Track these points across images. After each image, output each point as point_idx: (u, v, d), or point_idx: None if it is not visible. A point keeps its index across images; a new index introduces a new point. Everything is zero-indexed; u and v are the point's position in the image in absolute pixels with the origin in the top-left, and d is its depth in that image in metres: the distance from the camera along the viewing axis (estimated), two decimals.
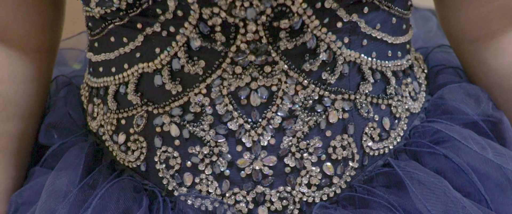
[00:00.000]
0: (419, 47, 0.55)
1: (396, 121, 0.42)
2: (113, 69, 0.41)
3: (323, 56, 0.37)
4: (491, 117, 0.45)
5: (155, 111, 0.39)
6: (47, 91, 0.52)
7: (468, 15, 0.45)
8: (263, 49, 0.36)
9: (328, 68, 0.38)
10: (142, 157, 0.41)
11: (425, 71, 0.48)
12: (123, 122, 0.42)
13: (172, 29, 0.36)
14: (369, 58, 0.39)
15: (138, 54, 0.39)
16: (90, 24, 0.43)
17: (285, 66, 0.36)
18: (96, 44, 0.43)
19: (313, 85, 0.37)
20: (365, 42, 0.39)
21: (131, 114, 0.41)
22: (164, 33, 0.37)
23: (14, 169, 0.49)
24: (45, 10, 0.47)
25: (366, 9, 0.38)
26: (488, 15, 0.45)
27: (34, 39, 0.47)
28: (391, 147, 0.42)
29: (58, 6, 0.48)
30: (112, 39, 0.41)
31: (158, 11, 0.36)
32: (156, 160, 0.40)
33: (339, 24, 0.37)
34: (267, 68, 0.37)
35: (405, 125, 0.43)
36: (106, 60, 0.42)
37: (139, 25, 0.38)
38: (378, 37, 0.39)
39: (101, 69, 0.43)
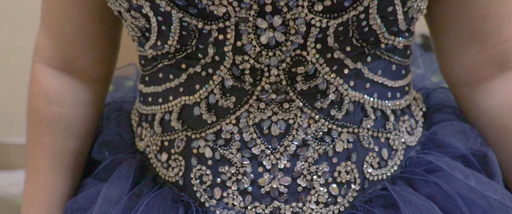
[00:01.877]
0: (422, 87, 0.62)
1: (394, 152, 0.48)
2: (160, 100, 0.49)
3: (332, 96, 0.44)
4: (478, 151, 0.50)
5: (193, 136, 0.47)
6: (101, 114, 0.59)
7: (461, 63, 0.52)
8: (283, 89, 0.43)
9: (336, 106, 0.45)
10: (180, 173, 0.48)
11: (423, 109, 0.54)
12: (166, 143, 0.49)
13: (210, 70, 0.44)
14: (371, 99, 0.46)
15: (181, 89, 0.46)
16: (142, 61, 0.50)
17: (301, 103, 0.44)
18: (146, 78, 0.51)
19: (323, 120, 0.45)
20: (368, 85, 0.45)
21: (173, 137, 0.48)
22: (204, 73, 0.44)
23: (71, 179, 0.56)
24: (105, 48, 0.54)
25: (369, 59, 0.45)
26: (478, 63, 0.51)
27: (95, 70, 0.55)
28: (388, 174, 0.48)
29: (115, 44, 0.56)
30: (160, 75, 0.48)
31: (200, 55, 0.44)
32: (192, 176, 0.47)
33: (346, 71, 0.44)
34: (286, 105, 0.44)
35: (402, 156, 0.49)
36: (154, 92, 0.49)
37: (183, 66, 0.45)
38: (379, 81, 0.46)
39: (150, 99, 0.50)
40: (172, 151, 0.49)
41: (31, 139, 0.56)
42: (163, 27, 0.43)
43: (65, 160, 0.55)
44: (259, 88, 0.43)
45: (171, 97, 0.48)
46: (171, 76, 0.47)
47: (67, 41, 0.53)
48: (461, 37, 0.50)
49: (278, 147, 0.45)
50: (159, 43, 0.45)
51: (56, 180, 0.55)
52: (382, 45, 0.45)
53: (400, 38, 0.46)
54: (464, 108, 0.55)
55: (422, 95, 0.58)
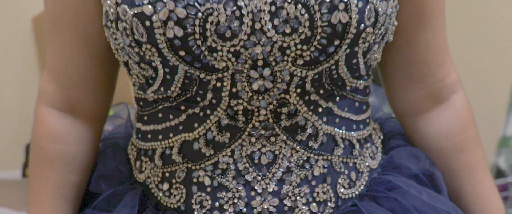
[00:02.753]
0: (378, 117, 0.73)
1: (360, 174, 0.58)
2: (160, 137, 0.55)
3: (309, 130, 0.53)
4: (427, 171, 0.61)
5: (193, 167, 0.54)
6: (98, 149, 0.64)
7: (406, 98, 0.63)
8: (270, 126, 0.52)
9: (313, 138, 0.54)
10: (182, 200, 0.54)
11: (381, 137, 0.65)
12: (167, 174, 0.55)
13: (208, 111, 0.52)
14: (340, 131, 0.55)
15: (181, 127, 0.53)
16: (141, 103, 0.57)
17: (284, 137, 0.53)
18: (145, 118, 0.57)
19: (303, 150, 0.53)
20: (337, 120, 0.55)
21: (174, 169, 0.55)
22: (202, 114, 0.52)
23: (72, 211, 0.61)
24: (104, 90, 0.60)
25: (337, 99, 0.54)
26: (419, 99, 0.62)
27: (95, 111, 0.61)
28: (357, 193, 0.57)
29: (113, 86, 0.62)
30: (160, 115, 0.55)
31: (198, 99, 0.51)
32: (192, 202, 0.54)
33: (320, 109, 0.53)
34: (272, 139, 0.52)
35: (367, 177, 0.58)
36: (154, 130, 0.56)
37: (182, 107, 0.53)
38: (346, 116, 0.56)
39: (149, 136, 0.57)
40: (173, 181, 0.55)
41: (35, 175, 0.60)
42: (168, 77, 0.50)
43: (67, 193, 0.60)
44: (250, 125, 0.52)
45: (171, 134, 0.55)
46: (171, 116, 0.54)
47: (71, 86, 0.58)
48: (405, 78, 0.61)
49: (267, 173, 0.53)
50: (162, 89, 0.52)
51: (59, 212, 0.59)
52: (348, 88, 0.55)
53: (361, 81, 0.56)
54: (409, 134, 0.66)
55: (378, 125, 0.68)
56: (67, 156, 0.59)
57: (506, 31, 1.73)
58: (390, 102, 0.66)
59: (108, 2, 0.48)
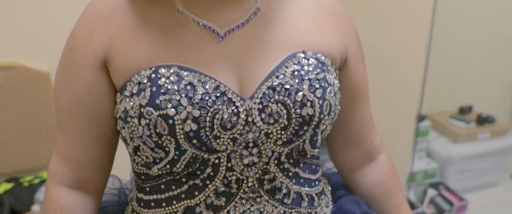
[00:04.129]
0: (324, 173, 0.91)
1: None
2: (164, 204, 0.68)
3: (284, 191, 0.70)
4: (367, 213, 0.81)
5: None
6: None
7: (345, 158, 0.82)
8: (256, 190, 0.68)
9: (287, 196, 0.70)
10: None
11: (330, 189, 0.84)
12: None
13: (207, 182, 0.66)
14: (305, 189, 0.73)
15: (183, 195, 0.66)
16: (143, 177, 0.70)
17: (267, 197, 0.69)
18: (147, 189, 0.70)
19: (280, 206, 0.69)
20: (302, 180, 0.72)
21: None
22: (201, 184, 0.66)
23: None
24: (107, 167, 0.72)
25: (301, 164, 0.72)
26: (355, 158, 0.82)
27: (99, 185, 0.72)
28: None
29: (112, 163, 0.74)
30: (163, 186, 0.67)
31: (199, 172, 0.65)
32: None
33: (290, 174, 0.70)
34: (258, 199, 0.68)
35: None
36: (157, 199, 0.69)
37: (184, 179, 0.66)
38: (307, 177, 0.73)
39: (152, 204, 0.69)
40: None
41: None
42: (176, 157, 0.64)
43: None
44: (241, 191, 0.67)
45: (174, 201, 0.68)
46: (173, 187, 0.68)
47: (82, 168, 0.69)
48: (344, 144, 0.81)
49: None
50: (168, 166, 0.66)
51: None
52: (308, 156, 0.73)
53: (316, 149, 0.75)
54: (350, 185, 0.85)
55: (326, 179, 0.87)
56: None
57: (407, 82, 2.04)
58: (333, 161, 0.86)
59: (131, 103, 0.62)
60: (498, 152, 2.63)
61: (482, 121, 2.64)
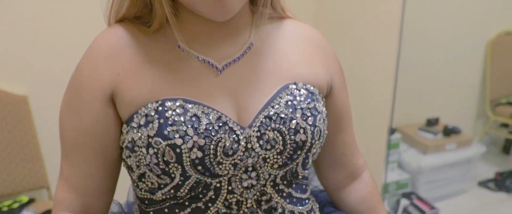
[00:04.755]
0: (312, 191, 0.98)
1: None
2: None
3: (279, 210, 0.75)
4: None
5: None
6: None
7: (331, 178, 0.88)
8: (254, 210, 0.73)
9: None
10: None
11: (318, 206, 0.91)
12: None
13: (209, 205, 0.71)
14: (297, 207, 0.79)
15: None
16: (146, 201, 0.75)
17: None
18: (151, 213, 0.75)
19: None
20: (294, 200, 0.78)
21: None
22: (203, 207, 0.71)
23: None
24: (112, 192, 0.76)
25: (294, 185, 0.78)
26: (341, 178, 0.88)
27: (103, 210, 0.76)
28: None
29: (115, 188, 0.78)
30: (166, 210, 0.72)
31: (201, 196, 0.71)
32: None
33: (284, 194, 0.76)
34: None
35: None
36: None
37: (187, 203, 0.71)
38: (299, 196, 0.79)
39: None
40: None
41: None
42: (180, 183, 0.69)
43: None
44: (241, 211, 0.73)
45: None
46: (176, 210, 0.72)
47: (88, 195, 0.73)
48: (331, 165, 0.88)
49: None
50: (172, 191, 0.71)
51: None
52: (300, 177, 0.79)
53: (306, 171, 0.81)
54: (336, 203, 0.92)
55: (314, 197, 0.94)
56: None
57: (378, 98, 2.14)
58: (321, 181, 0.92)
59: (138, 134, 0.67)
60: (465, 161, 2.77)
61: (449, 132, 2.77)
